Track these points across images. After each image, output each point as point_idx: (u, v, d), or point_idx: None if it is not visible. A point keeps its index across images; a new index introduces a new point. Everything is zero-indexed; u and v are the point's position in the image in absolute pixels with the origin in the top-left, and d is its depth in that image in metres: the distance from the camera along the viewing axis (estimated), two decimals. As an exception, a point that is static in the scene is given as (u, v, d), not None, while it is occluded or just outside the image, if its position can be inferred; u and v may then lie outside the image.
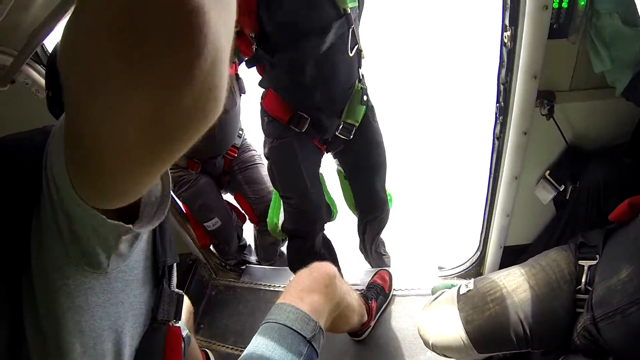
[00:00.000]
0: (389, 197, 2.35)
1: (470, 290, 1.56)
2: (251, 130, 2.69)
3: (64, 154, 0.58)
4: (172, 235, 1.05)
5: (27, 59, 1.98)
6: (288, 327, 1.18)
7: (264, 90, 1.97)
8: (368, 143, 2.09)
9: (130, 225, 0.67)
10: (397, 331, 2.15)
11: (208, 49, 0.34)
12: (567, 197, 1.74)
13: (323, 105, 1.88)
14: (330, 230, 2.33)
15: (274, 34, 1.71)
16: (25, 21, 1.71)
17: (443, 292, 1.67)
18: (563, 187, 1.74)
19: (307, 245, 2.16)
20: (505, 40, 1.49)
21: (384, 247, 2.66)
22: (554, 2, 1.32)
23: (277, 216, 2.17)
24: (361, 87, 1.94)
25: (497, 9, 1.48)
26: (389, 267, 2.58)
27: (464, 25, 5.79)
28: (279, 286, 2.53)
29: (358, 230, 2.47)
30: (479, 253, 2.26)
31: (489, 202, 2.00)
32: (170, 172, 0.95)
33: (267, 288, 2.56)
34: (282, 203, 2.11)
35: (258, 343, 1.17)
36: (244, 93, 2.37)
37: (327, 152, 2.13)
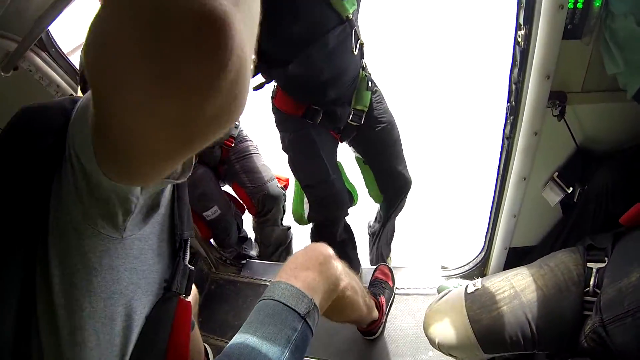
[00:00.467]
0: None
1: (477, 289, 1.55)
2: (247, 121, 2.78)
3: (91, 135, 0.59)
4: (189, 209, 1.06)
5: (31, 46, 1.98)
6: (282, 303, 1.19)
7: (273, 88, 2.05)
8: (379, 124, 2.16)
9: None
10: (400, 330, 2.14)
11: (233, 61, 0.36)
12: (575, 200, 1.73)
13: (335, 98, 1.97)
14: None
15: (275, 49, 1.79)
16: (29, 7, 1.70)
17: (449, 291, 1.66)
18: (571, 189, 1.73)
19: (332, 231, 2.25)
20: (519, 39, 1.48)
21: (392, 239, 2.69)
22: (569, 2, 1.32)
23: (302, 207, 2.26)
24: (365, 75, 2.05)
25: (512, 8, 1.48)
26: (386, 262, 2.59)
27: (476, 24, 5.78)
28: None
29: (379, 218, 2.53)
30: (483, 254, 2.26)
31: (495, 202, 1.99)
32: None
33: (267, 283, 2.51)
34: (305, 194, 2.20)
35: (253, 319, 1.18)
36: None
37: (341, 142, 2.22)
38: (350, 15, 1.79)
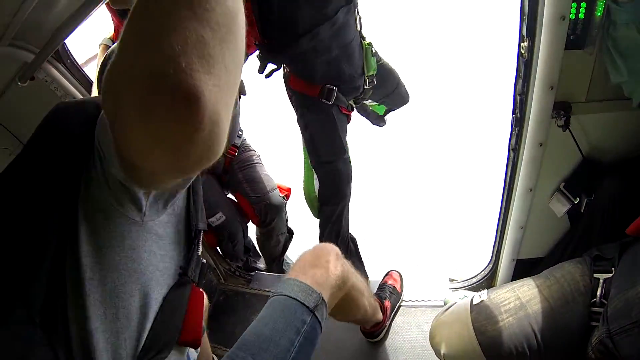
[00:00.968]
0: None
1: (483, 300, 1.54)
2: (250, 131, 2.81)
3: (112, 143, 0.74)
4: (202, 203, 1.15)
5: (48, 57, 2.04)
6: (292, 297, 1.25)
7: (284, 72, 2.15)
8: (386, 74, 2.40)
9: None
10: (406, 342, 2.12)
11: (205, 123, 0.47)
12: (582, 211, 1.72)
13: (351, 74, 2.09)
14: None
15: (286, 33, 1.89)
16: (48, 19, 1.76)
17: (455, 303, 1.65)
18: (578, 200, 1.72)
19: (338, 212, 2.33)
20: (522, 51, 1.50)
21: None
22: (571, 13, 1.33)
23: (313, 185, 2.34)
24: (368, 44, 2.14)
25: (515, 20, 1.50)
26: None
27: (480, 37, 5.81)
28: None
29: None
30: (490, 266, 2.24)
31: (502, 214, 1.98)
32: None
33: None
34: (317, 172, 2.30)
35: (264, 314, 1.25)
36: (245, 95, 2.42)
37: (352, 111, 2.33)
38: None
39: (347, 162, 2.26)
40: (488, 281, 2.28)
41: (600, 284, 1.38)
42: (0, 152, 2.42)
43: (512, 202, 1.87)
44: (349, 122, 2.30)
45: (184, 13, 0.45)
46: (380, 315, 2.06)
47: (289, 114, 2.32)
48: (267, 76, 2.12)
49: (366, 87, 2.21)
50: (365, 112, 2.67)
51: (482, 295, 1.57)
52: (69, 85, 2.23)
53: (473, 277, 2.33)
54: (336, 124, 2.14)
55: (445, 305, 1.83)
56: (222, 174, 2.64)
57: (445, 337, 1.56)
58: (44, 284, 0.79)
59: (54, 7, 1.72)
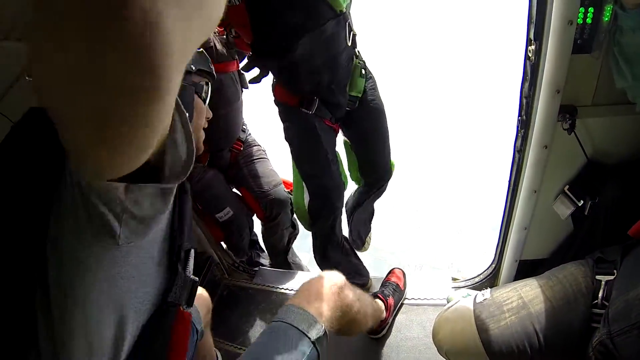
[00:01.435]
0: (392, 165, 2.52)
1: (486, 299, 1.56)
2: (255, 126, 2.83)
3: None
4: (191, 220, 1.06)
5: None
6: (294, 326, 1.24)
7: (272, 82, 2.14)
8: (371, 111, 2.25)
9: (136, 184, 0.68)
10: (409, 340, 2.15)
11: (135, 14, 0.34)
12: (586, 213, 1.74)
13: (329, 83, 2.03)
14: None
15: (270, 39, 1.87)
16: None
17: (459, 301, 1.67)
18: (582, 202, 1.73)
19: (330, 224, 2.32)
20: (530, 54, 1.51)
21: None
22: (578, 17, 1.35)
23: (303, 199, 2.28)
24: (359, 63, 2.14)
25: (522, 23, 1.51)
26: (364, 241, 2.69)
27: (488, 40, 5.84)
28: (291, 289, 2.56)
29: (356, 199, 2.63)
30: (493, 265, 2.26)
31: (506, 215, 2.00)
32: None
33: (279, 290, 2.59)
34: (306, 185, 2.25)
35: (264, 340, 1.25)
36: (246, 88, 2.46)
37: (340, 129, 2.30)
38: (344, 9, 1.87)
39: (334, 175, 2.23)
40: (490, 281, 2.30)
41: (602, 286, 1.40)
42: None
43: (516, 203, 1.89)
44: (336, 134, 2.28)
45: None
46: (384, 315, 2.10)
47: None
48: (252, 81, 2.16)
49: (347, 108, 2.18)
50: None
51: (485, 294, 1.59)
52: None
53: (476, 277, 2.36)
54: (319, 137, 2.11)
55: (448, 302, 1.85)
56: (228, 168, 2.66)
57: (448, 334, 1.59)
58: (12, 324, 0.76)
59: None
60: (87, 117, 0.42)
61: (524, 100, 1.63)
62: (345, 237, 2.56)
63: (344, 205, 2.65)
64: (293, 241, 2.91)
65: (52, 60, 0.38)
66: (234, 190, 2.76)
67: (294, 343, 1.21)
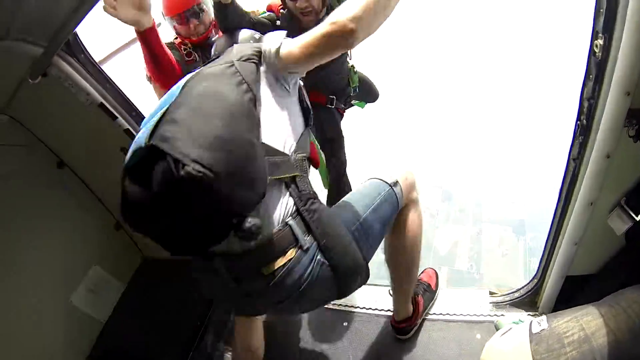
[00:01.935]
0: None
1: (544, 329, 1.39)
2: None
3: None
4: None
5: (58, 51, 1.91)
6: (376, 178, 1.70)
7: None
8: (363, 83, 3.07)
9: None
10: (443, 358, 1.99)
11: (356, 38, 1.26)
12: (643, 229, 1.54)
13: (342, 87, 2.91)
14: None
15: None
16: (55, 10, 1.63)
17: (511, 328, 1.50)
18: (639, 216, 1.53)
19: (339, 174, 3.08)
20: (596, 50, 1.31)
21: None
22: (660, 8, 1.14)
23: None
24: (351, 66, 2.90)
25: (586, 13, 1.30)
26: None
27: (547, 33, 5.52)
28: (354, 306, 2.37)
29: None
30: (536, 281, 2.08)
31: (555, 227, 1.81)
32: None
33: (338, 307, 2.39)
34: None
35: (355, 189, 1.74)
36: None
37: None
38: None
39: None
40: (532, 297, 2.12)
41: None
42: (17, 149, 2.35)
43: (568, 215, 1.69)
44: (342, 117, 3.06)
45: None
46: (411, 308, 2.06)
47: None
48: None
49: (351, 94, 2.99)
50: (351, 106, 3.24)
51: (542, 323, 1.41)
52: (83, 81, 2.13)
53: (516, 292, 2.17)
54: (337, 119, 2.97)
55: (497, 328, 1.67)
56: None
57: (501, 368, 1.42)
58: None
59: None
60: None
61: (586, 103, 1.43)
62: None
63: None
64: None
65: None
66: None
67: (376, 185, 1.68)
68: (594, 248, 1.79)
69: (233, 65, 1.29)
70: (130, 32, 1.96)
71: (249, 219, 1.12)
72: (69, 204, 2.56)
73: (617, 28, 1.22)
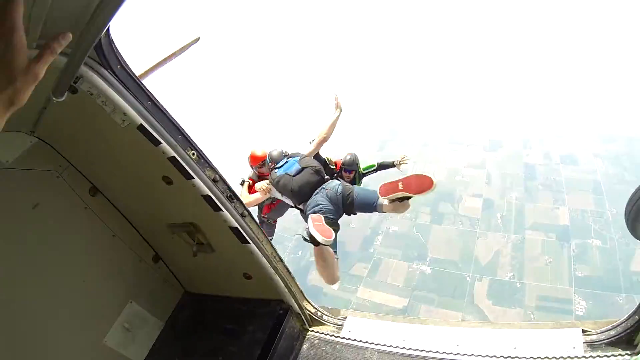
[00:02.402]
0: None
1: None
2: None
3: None
4: None
5: (86, 59, 1.54)
6: None
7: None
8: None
9: None
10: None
11: None
12: None
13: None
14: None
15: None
16: (79, 6, 1.28)
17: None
18: None
19: None
20: None
21: None
22: None
23: None
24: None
25: None
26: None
27: None
28: (390, 346, 2.11)
29: None
30: (637, 317, 1.90)
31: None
32: None
33: (375, 347, 2.13)
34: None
35: None
36: None
37: None
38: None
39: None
40: (630, 335, 1.94)
41: None
42: (47, 174, 2.08)
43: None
44: None
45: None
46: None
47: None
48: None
49: None
50: None
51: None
52: (120, 98, 1.77)
53: (612, 329, 1.98)
54: None
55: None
56: None
57: None
58: None
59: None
60: None
61: None
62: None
63: None
64: None
65: None
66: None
67: None
68: None
69: None
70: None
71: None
72: (103, 235, 2.29)
73: None
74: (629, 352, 1.92)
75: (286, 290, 2.24)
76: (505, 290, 13.55)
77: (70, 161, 2.12)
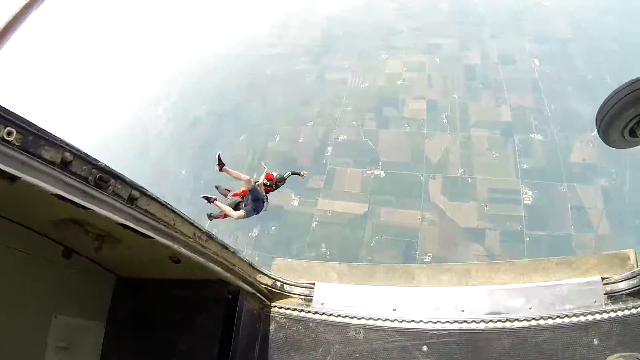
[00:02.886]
0: None
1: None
2: None
3: None
4: None
5: None
6: None
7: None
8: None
9: None
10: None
11: None
12: None
13: None
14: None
15: None
16: None
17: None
18: None
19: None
20: None
21: None
22: None
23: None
24: None
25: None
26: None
27: None
28: (378, 319, 1.65)
29: None
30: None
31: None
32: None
33: (358, 321, 1.67)
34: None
35: None
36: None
37: None
38: None
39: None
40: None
41: None
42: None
43: None
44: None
45: None
46: None
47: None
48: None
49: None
50: None
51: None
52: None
53: (632, 278, 1.65)
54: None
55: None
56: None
57: None
58: None
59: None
60: None
61: None
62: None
63: None
64: None
65: None
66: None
67: None
68: None
69: None
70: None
71: None
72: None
73: None
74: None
75: (227, 272, 1.69)
76: (458, 186, 14.19)
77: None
